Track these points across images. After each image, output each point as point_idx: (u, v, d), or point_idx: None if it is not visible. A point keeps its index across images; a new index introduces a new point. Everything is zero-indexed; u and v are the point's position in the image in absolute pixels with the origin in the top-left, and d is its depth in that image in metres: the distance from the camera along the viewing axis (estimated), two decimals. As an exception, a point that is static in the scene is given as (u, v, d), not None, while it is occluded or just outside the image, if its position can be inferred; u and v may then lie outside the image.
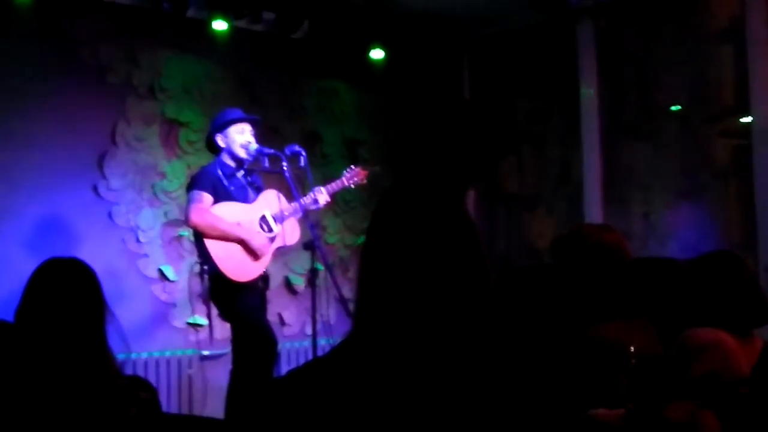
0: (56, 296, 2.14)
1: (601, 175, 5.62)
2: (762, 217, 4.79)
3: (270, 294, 4.55)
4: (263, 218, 4.31)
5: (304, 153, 4.29)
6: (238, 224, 4.20)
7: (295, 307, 5.72)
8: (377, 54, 5.95)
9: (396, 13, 5.84)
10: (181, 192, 4.86)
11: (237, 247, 4.17)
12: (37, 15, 4.78)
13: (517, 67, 6.29)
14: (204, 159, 4.73)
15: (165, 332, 5.16)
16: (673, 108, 5.44)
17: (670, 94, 5.44)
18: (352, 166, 4.67)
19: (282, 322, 5.60)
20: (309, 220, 4.37)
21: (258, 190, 4.39)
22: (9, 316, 2.21)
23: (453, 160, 4.53)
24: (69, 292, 2.15)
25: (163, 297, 5.20)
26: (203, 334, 4.84)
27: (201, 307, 4.48)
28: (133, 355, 4.79)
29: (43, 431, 2.01)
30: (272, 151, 4.29)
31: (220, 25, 5.30)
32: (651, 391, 2.24)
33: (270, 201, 4.36)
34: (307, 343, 5.24)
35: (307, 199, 4.36)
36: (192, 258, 4.86)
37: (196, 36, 5.35)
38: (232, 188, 4.24)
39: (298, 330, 5.68)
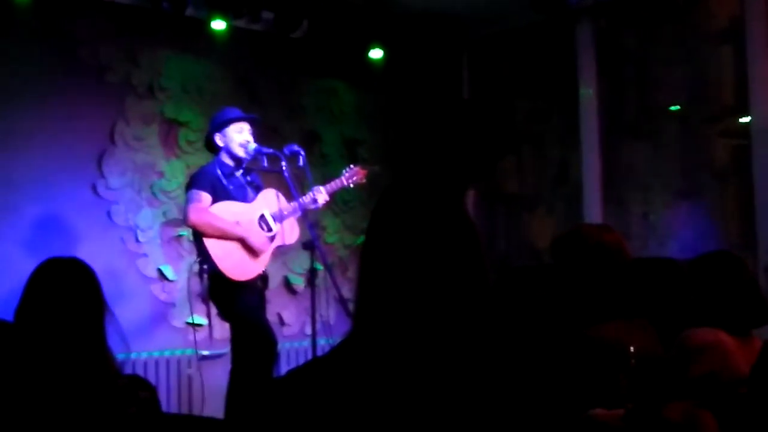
0: (56, 296, 2.14)
1: (601, 175, 5.62)
2: (761, 217, 4.78)
3: (269, 294, 4.55)
4: (262, 217, 4.30)
5: (303, 152, 4.29)
6: (238, 223, 4.20)
7: (295, 307, 5.71)
8: (376, 53, 5.95)
9: (395, 12, 5.84)
10: (180, 191, 4.86)
11: (236, 247, 4.16)
12: (36, 15, 4.78)
13: (517, 67, 6.29)
14: (203, 158, 4.73)
15: (164, 332, 5.16)
16: (673, 108, 5.43)
17: (669, 94, 5.43)
18: (351, 166, 4.66)
19: (281, 322, 5.60)
20: (308, 219, 4.37)
21: (257, 190, 4.38)
22: (9, 315, 2.21)
23: (452, 160, 4.52)
24: (69, 291, 2.15)
25: (163, 297, 5.20)
26: (202, 333, 4.84)
27: (200, 307, 4.47)
28: (133, 355, 4.79)
29: (43, 431, 2.01)
30: (271, 150, 4.28)
31: (219, 24, 5.30)
32: (651, 391, 2.24)
33: (269, 200, 4.35)
34: (306, 343, 5.24)
35: (306, 199, 4.35)
36: (191, 257, 4.85)
37: (195, 35, 5.35)
38: (231, 187, 4.23)
39: (297, 330, 5.68)
